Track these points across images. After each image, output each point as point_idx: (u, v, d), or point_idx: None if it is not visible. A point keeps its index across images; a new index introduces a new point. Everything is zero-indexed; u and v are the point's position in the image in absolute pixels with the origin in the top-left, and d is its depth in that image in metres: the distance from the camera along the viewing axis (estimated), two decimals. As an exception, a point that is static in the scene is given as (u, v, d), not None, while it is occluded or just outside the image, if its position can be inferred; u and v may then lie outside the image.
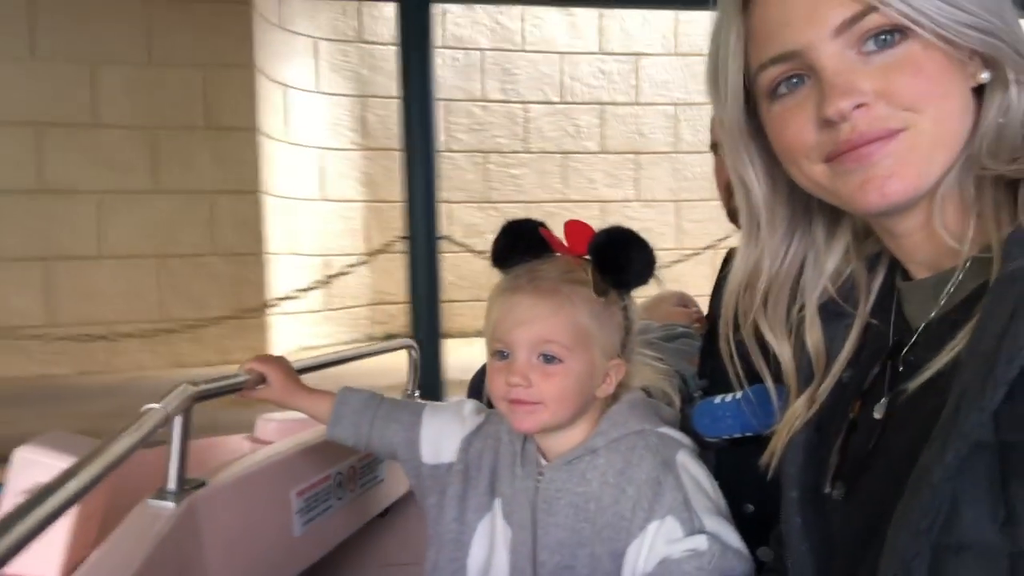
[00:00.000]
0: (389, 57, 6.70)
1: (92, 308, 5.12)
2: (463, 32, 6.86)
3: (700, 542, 1.00)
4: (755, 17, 0.75)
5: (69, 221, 5.15)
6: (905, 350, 0.77)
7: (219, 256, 5.49)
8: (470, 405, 1.26)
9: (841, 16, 0.68)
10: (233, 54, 5.44)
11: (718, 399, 1.30)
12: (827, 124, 0.71)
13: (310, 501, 1.41)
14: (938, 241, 0.74)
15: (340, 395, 1.28)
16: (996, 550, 0.61)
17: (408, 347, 1.86)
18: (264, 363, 1.31)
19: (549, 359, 1.05)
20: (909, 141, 0.70)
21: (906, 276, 0.82)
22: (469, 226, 6.84)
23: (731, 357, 0.91)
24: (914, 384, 0.71)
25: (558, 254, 1.10)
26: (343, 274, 5.48)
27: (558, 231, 1.17)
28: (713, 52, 0.80)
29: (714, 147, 1.52)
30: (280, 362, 1.33)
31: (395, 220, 4.82)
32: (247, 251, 5.55)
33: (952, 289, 0.73)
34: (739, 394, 1.21)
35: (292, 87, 6.10)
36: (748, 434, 1.23)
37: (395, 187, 6.91)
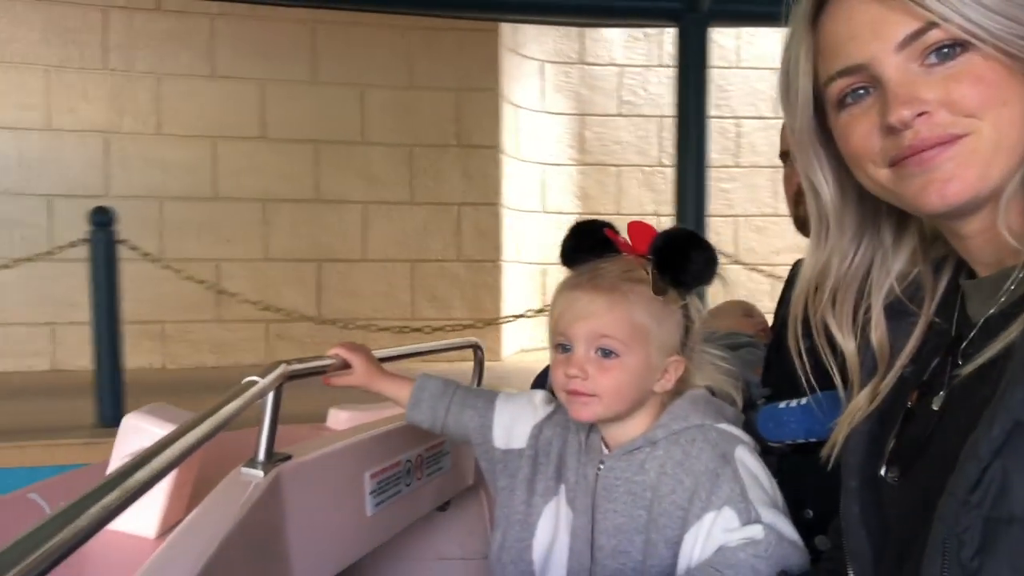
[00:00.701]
0: (607, 77, 7.05)
1: (354, 305, 5.72)
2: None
3: (756, 531, 1.01)
4: (823, 32, 0.78)
5: (339, 228, 5.80)
6: (964, 344, 0.79)
7: (462, 263, 5.99)
8: (541, 395, 1.29)
9: (904, 31, 0.71)
10: (481, 78, 5.94)
11: (783, 404, 1.30)
12: (891, 131, 0.73)
13: (382, 484, 1.48)
14: (1002, 242, 0.74)
15: (419, 381, 1.34)
16: None
17: (473, 346, 1.90)
18: (349, 350, 1.36)
19: (606, 353, 1.08)
20: (970, 146, 0.71)
21: (971, 276, 0.83)
22: (676, 239, 7.06)
23: (800, 355, 0.93)
24: (966, 370, 0.74)
25: (622, 254, 1.13)
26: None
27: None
28: (784, 64, 0.83)
29: (783, 156, 1.57)
30: (363, 349, 1.38)
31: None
32: (486, 259, 6.02)
33: (1012, 286, 0.74)
34: (805, 400, 1.21)
35: (522, 107, 6.55)
36: (812, 440, 1.24)
37: (608, 201, 7.26)
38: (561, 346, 1.12)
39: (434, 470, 1.68)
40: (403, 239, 5.89)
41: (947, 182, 0.72)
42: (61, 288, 5.38)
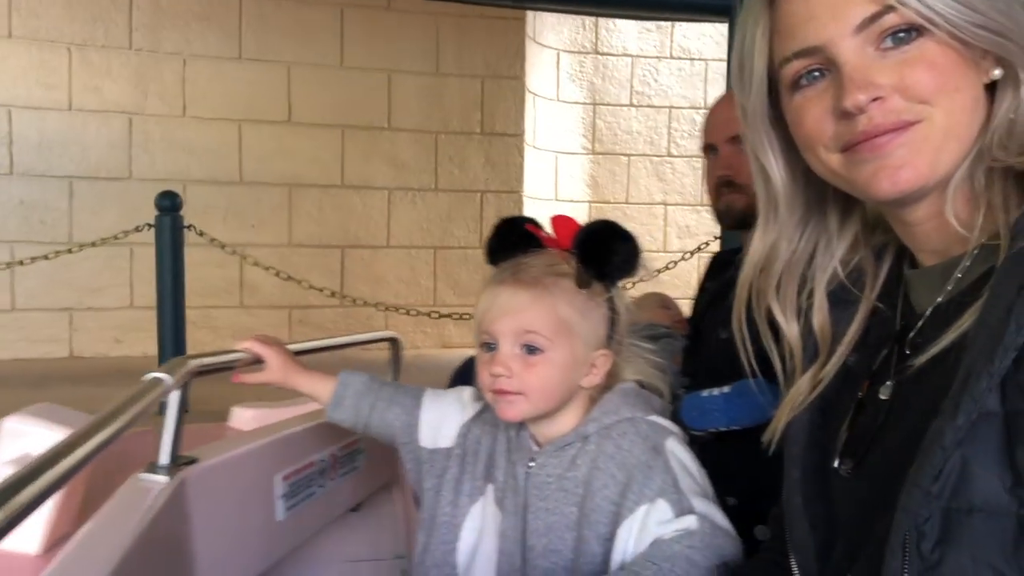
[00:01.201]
0: (621, 67, 7.13)
1: (377, 290, 5.73)
2: (690, 44, 7.22)
3: (691, 522, 1.01)
4: (781, 12, 0.78)
5: (363, 213, 5.78)
6: (912, 333, 0.79)
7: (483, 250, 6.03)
8: (469, 391, 1.26)
9: (861, 15, 0.71)
10: (507, 67, 5.96)
11: (705, 393, 1.31)
12: (845, 115, 0.73)
13: (294, 486, 1.41)
14: (948, 230, 0.75)
15: (342, 377, 1.29)
16: (1004, 511, 0.62)
17: (390, 339, 1.84)
18: (262, 343, 1.30)
19: (531, 349, 1.07)
20: (922, 133, 0.72)
21: (913, 265, 0.84)
22: (682, 228, 7.20)
23: (744, 342, 0.93)
24: (921, 360, 0.73)
25: (546, 248, 1.12)
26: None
27: None
28: (740, 43, 0.83)
29: (706, 150, 1.68)
30: (276, 343, 1.32)
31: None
32: (508, 246, 6.08)
33: (960, 274, 0.75)
34: (728, 388, 1.22)
35: (540, 96, 6.59)
36: (735, 427, 1.26)
37: (619, 189, 7.35)
38: (486, 344, 1.10)
39: (348, 470, 1.61)
40: (427, 225, 5.90)
41: (899, 169, 0.72)
42: (80, 274, 5.28)
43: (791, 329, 0.89)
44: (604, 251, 1.08)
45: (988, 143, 0.73)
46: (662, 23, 6.99)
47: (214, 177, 5.54)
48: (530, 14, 6.33)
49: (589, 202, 7.19)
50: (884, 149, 0.73)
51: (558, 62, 6.85)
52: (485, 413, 1.22)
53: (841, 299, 0.88)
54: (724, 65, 7.36)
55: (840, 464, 0.81)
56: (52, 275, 5.26)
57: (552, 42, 6.75)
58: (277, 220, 5.60)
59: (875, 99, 0.71)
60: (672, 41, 7.16)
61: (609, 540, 1.04)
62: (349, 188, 5.74)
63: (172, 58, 5.46)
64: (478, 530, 1.15)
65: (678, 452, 1.08)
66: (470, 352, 1.31)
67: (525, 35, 6.06)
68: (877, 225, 0.88)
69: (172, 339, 3.49)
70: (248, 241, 5.52)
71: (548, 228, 1.12)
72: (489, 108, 5.94)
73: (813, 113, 0.76)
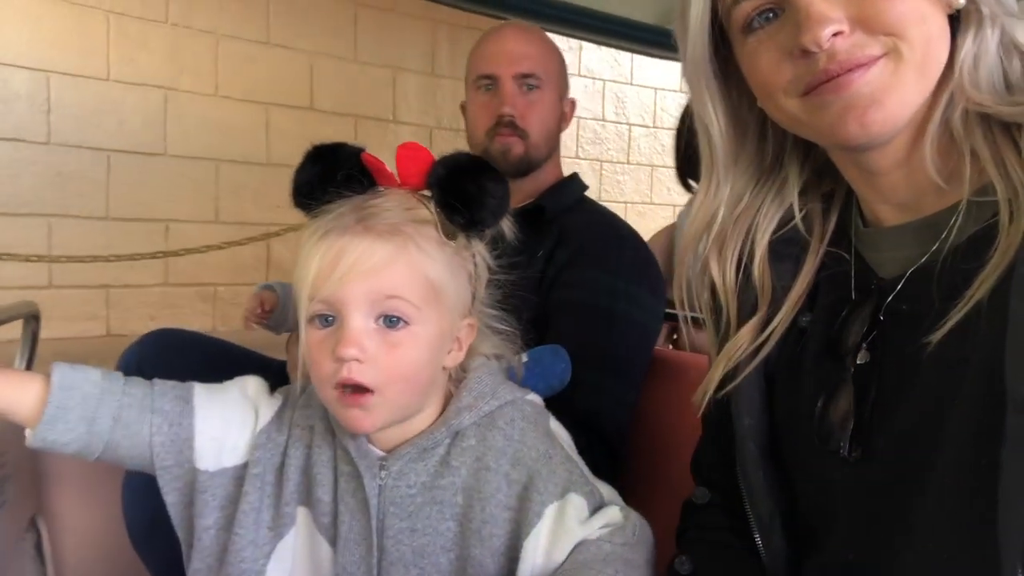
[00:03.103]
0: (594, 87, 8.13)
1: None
2: (592, 65, 8.45)
3: (614, 515, 0.87)
4: None
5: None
6: (891, 298, 0.72)
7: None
8: (255, 384, 0.98)
9: None
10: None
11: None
12: (804, 55, 0.67)
13: None
14: (919, 180, 0.69)
15: (60, 376, 0.87)
16: None
17: (27, 316, 1.40)
18: None
19: (393, 322, 0.82)
20: (890, 67, 0.66)
21: (863, 220, 0.77)
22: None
23: (683, 303, 0.86)
24: (936, 337, 0.64)
25: (389, 188, 0.89)
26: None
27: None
28: None
29: (477, 80, 1.66)
30: None
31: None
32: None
33: (947, 234, 0.67)
34: (525, 356, 1.06)
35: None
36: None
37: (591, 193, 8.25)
38: (321, 317, 0.84)
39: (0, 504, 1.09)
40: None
41: (867, 108, 0.66)
42: (117, 249, 5.17)
43: (728, 278, 0.82)
44: (476, 192, 0.85)
45: (958, 81, 0.67)
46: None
47: (246, 157, 5.65)
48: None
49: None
50: (849, 88, 0.66)
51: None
52: (286, 412, 0.95)
53: (783, 254, 0.81)
54: (614, 86, 8.71)
55: (851, 452, 0.72)
56: (89, 250, 5.09)
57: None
58: (299, 202, 5.82)
59: (835, 34, 0.65)
60: (580, 63, 8.33)
61: (505, 555, 0.85)
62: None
63: (205, 35, 5.49)
64: (287, 574, 0.90)
65: (561, 434, 0.94)
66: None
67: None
68: (824, 173, 0.81)
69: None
70: (272, 221, 5.67)
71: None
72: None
73: (768, 56, 0.70)
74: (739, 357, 0.81)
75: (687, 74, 0.79)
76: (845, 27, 0.66)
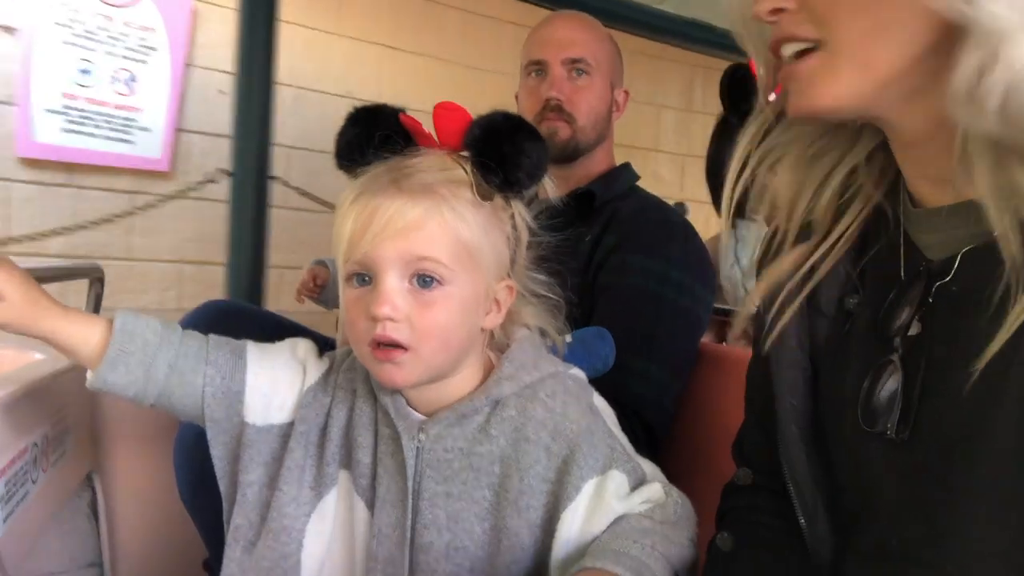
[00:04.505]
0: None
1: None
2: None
3: (655, 491, 0.86)
4: None
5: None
6: (943, 280, 0.68)
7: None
8: (305, 345, 0.99)
9: None
10: (514, 63, 6.69)
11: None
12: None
13: (10, 485, 0.97)
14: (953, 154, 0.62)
15: (122, 319, 0.90)
16: None
17: (92, 273, 1.38)
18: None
19: (426, 282, 0.82)
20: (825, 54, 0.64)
21: (913, 204, 0.73)
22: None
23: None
24: (1005, 336, 0.60)
25: (427, 148, 0.87)
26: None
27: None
28: None
29: (529, 67, 1.62)
30: (15, 270, 0.87)
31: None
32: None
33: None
34: (569, 338, 1.04)
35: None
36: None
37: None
38: (358, 276, 0.85)
39: (59, 455, 1.20)
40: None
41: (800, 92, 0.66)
42: (186, 224, 5.29)
43: (804, 192, 0.79)
44: (511, 152, 0.83)
45: (951, 100, 0.59)
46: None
47: (320, 146, 5.76)
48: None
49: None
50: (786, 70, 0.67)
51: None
52: (331, 375, 0.96)
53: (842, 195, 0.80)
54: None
55: (896, 429, 0.70)
56: (163, 225, 5.25)
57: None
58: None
59: (778, 11, 0.66)
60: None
61: (541, 528, 0.85)
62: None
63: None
64: (328, 535, 0.91)
65: (605, 410, 0.92)
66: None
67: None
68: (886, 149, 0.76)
69: (247, 296, 3.04)
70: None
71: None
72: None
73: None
74: (782, 281, 0.79)
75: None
76: (790, 5, 0.66)
